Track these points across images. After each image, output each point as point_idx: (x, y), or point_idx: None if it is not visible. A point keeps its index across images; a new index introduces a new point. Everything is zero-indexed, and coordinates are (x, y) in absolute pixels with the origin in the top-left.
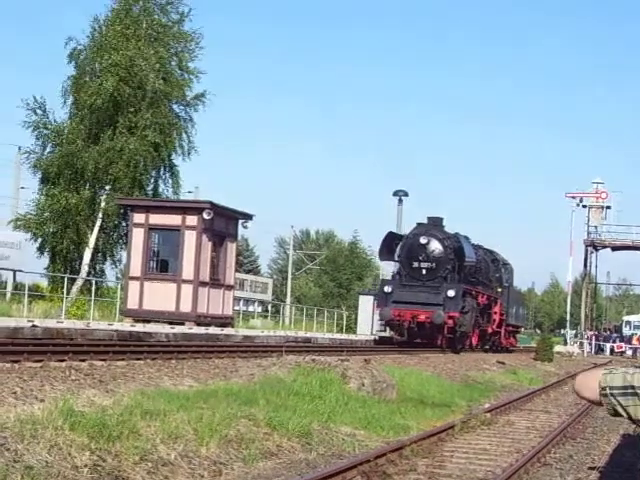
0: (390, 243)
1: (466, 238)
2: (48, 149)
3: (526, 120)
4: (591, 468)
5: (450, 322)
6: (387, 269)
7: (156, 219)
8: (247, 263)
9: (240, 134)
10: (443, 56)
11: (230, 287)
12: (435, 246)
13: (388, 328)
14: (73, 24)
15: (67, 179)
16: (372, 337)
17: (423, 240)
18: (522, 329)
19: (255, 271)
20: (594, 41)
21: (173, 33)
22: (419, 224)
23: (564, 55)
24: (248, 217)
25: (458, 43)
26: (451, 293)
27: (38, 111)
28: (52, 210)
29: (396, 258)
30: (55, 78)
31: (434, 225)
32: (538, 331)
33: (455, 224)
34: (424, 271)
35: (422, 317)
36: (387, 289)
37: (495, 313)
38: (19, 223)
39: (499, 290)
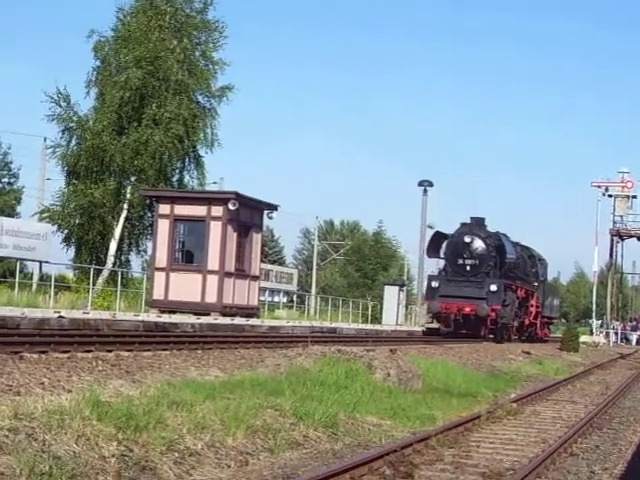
0: (437, 242)
1: (505, 236)
2: (73, 141)
3: (552, 108)
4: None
5: (493, 314)
6: (413, 260)
7: (181, 210)
8: (272, 254)
9: (265, 125)
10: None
11: (255, 278)
12: (478, 244)
13: (435, 320)
14: (94, 15)
15: (93, 172)
16: (397, 327)
17: (467, 239)
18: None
19: (280, 262)
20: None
21: (196, 23)
22: (463, 224)
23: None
24: (273, 208)
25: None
26: (493, 288)
27: (62, 103)
28: (77, 204)
29: (442, 255)
30: (76, 70)
31: (477, 225)
32: (564, 321)
33: (478, 213)
34: (468, 267)
35: (467, 310)
36: (434, 284)
37: (532, 306)
38: (44, 215)
39: (535, 284)
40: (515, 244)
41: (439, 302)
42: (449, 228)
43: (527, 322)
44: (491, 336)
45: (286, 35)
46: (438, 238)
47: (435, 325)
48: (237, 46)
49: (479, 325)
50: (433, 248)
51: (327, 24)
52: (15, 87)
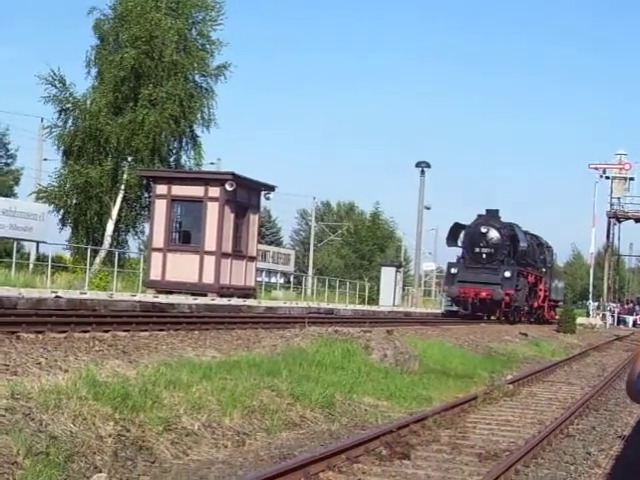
0: (455, 231)
1: (517, 226)
2: (70, 122)
3: (548, 94)
4: (619, 437)
5: (507, 298)
6: (410, 241)
7: (178, 190)
8: (269, 234)
9: (263, 106)
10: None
11: (252, 258)
12: (494, 234)
13: (454, 303)
14: None
15: (90, 152)
16: (394, 308)
17: (483, 229)
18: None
19: (277, 242)
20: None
21: (193, 1)
22: (479, 215)
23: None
24: (270, 188)
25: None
26: (507, 274)
27: (58, 85)
28: (74, 184)
29: (460, 244)
30: (75, 52)
31: (492, 216)
32: (560, 303)
33: (475, 197)
34: (484, 255)
35: (483, 294)
36: (453, 270)
37: (540, 290)
38: (42, 195)
39: (544, 270)
40: (525, 233)
41: (457, 287)
42: (446, 210)
43: (536, 305)
44: (503, 318)
45: (288, 16)
46: (456, 228)
47: (454, 308)
48: (235, 26)
49: (494, 308)
50: (452, 237)
51: (327, 5)
52: (13, 68)
